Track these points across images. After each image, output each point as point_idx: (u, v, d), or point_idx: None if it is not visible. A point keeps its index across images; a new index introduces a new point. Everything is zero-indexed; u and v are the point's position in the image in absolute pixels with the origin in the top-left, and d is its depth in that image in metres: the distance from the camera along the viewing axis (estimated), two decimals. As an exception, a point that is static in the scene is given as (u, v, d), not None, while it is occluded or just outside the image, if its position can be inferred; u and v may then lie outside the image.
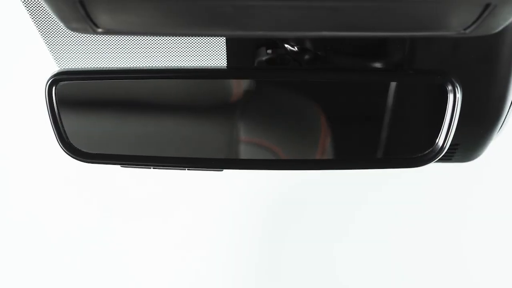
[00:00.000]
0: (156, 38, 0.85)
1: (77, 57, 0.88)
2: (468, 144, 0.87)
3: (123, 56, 0.88)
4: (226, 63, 0.87)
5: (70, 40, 0.85)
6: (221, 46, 0.85)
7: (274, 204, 1.85)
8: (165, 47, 0.86)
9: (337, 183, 1.82)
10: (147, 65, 0.89)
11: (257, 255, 1.87)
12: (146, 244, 1.87)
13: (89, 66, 0.89)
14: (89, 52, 0.87)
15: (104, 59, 0.88)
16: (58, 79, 0.72)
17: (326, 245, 1.86)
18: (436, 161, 0.74)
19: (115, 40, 0.85)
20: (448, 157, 0.89)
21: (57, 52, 0.88)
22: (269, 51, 0.83)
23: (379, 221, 1.84)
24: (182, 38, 0.84)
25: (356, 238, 1.86)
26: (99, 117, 0.77)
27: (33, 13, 0.81)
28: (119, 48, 0.86)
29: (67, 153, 0.74)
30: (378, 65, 0.82)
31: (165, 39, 0.85)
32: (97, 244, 1.85)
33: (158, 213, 1.85)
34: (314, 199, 1.85)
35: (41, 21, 0.82)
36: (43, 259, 1.86)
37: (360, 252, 1.86)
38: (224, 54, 0.86)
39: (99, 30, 0.46)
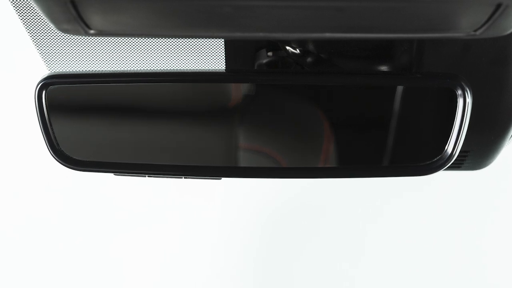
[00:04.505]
0: (151, 40, 0.84)
1: (68, 60, 0.88)
2: (479, 151, 0.86)
3: (116, 59, 0.88)
4: (224, 66, 0.87)
5: (61, 42, 0.85)
6: (220, 48, 0.85)
7: (277, 212, 1.85)
8: (161, 49, 0.86)
9: (344, 188, 1.82)
10: (142, 68, 0.89)
11: (257, 265, 1.87)
12: (142, 254, 1.87)
13: (81, 69, 0.89)
14: (81, 55, 0.87)
15: (96, 62, 0.88)
16: (48, 83, 0.71)
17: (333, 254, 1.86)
18: (445, 169, 0.74)
19: (108, 42, 0.85)
20: (458, 165, 0.89)
21: (47, 55, 0.88)
22: (269, 53, 0.83)
23: (385, 229, 1.84)
24: (178, 40, 0.84)
25: (365, 250, 1.86)
26: (91, 123, 0.77)
27: (22, 13, 0.81)
28: (112, 51, 0.86)
29: (57, 161, 0.74)
30: (384, 68, 0.82)
31: (160, 41, 0.85)
32: (94, 250, 1.86)
33: (155, 220, 1.86)
34: (318, 206, 1.86)
35: (30, 22, 0.82)
36: (34, 265, 1.86)
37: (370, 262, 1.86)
38: (223, 56, 0.86)
39: (91, 31, 0.45)
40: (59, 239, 1.85)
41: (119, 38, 0.84)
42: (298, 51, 0.82)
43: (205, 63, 0.88)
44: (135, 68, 0.89)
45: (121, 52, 0.87)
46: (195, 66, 0.88)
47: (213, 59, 0.87)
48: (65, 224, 1.84)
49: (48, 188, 1.81)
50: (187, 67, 0.89)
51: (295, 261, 1.87)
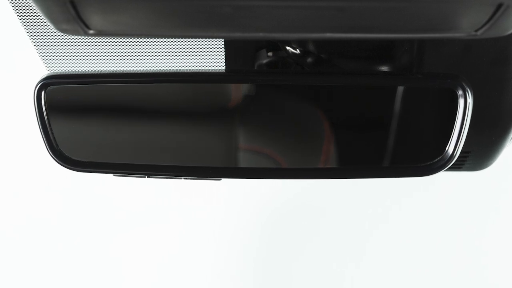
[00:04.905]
0: (151, 40, 0.84)
1: (67, 60, 0.88)
2: (480, 151, 0.86)
3: (116, 59, 0.88)
4: (224, 66, 0.87)
5: (60, 42, 0.85)
6: (219, 48, 0.85)
7: (276, 213, 1.85)
8: (160, 49, 0.86)
9: (344, 188, 1.82)
10: (142, 69, 0.89)
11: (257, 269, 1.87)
12: (141, 255, 1.87)
13: (80, 70, 0.89)
14: (80, 55, 0.87)
15: (95, 62, 0.88)
16: (47, 83, 0.71)
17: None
18: (446, 170, 0.74)
19: (107, 42, 0.85)
20: (459, 166, 0.89)
21: (46, 55, 0.88)
22: (269, 53, 0.83)
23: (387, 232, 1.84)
24: (178, 40, 0.84)
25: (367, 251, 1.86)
26: (91, 124, 0.77)
27: (21, 13, 0.81)
28: (111, 51, 0.86)
29: (57, 161, 0.74)
30: (384, 68, 0.82)
31: (160, 41, 0.85)
32: (93, 251, 1.86)
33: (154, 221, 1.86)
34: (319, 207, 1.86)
35: (29, 22, 0.82)
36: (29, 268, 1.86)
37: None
38: (223, 57, 0.86)
39: (91, 31, 0.45)
40: (58, 239, 1.85)
41: (119, 38, 0.84)
42: (298, 51, 0.82)
43: (205, 63, 0.87)
44: (135, 69, 0.89)
45: (120, 52, 0.87)
46: (195, 66, 0.88)
47: (213, 60, 0.87)
48: (65, 224, 1.84)
49: (47, 188, 1.81)
50: (187, 68, 0.89)
51: (295, 261, 1.87)
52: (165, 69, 0.89)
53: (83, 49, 0.87)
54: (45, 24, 0.82)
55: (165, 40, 0.84)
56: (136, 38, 0.84)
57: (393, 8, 0.43)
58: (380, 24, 0.45)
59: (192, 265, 1.87)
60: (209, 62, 0.87)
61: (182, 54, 0.87)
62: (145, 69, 0.89)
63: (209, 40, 0.83)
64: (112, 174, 0.75)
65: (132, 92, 0.75)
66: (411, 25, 0.46)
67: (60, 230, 1.85)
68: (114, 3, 0.42)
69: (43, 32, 0.84)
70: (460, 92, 0.70)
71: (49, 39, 0.85)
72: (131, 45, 0.86)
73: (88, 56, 0.87)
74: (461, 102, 0.70)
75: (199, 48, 0.86)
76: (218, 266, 1.87)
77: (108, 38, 0.84)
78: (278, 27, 0.46)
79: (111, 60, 0.88)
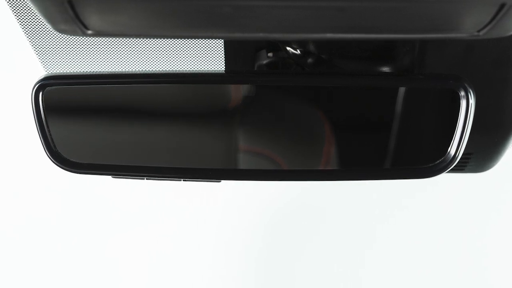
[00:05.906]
0: (150, 40, 0.84)
1: (65, 61, 0.88)
2: (482, 153, 0.86)
3: (114, 60, 0.88)
4: (224, 67, 0.87)
5: (58, 43, 0.85)
6: (219, 49, 0.85)
7: (277, 214, 1.85)
8: (160, 50, 0.86)
9: (345, 189, 1.83)
10: (141, 69, 0.89)
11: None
12: (140, 255, 1.87)
13: (78, 70, 0.89)
14: (78, 55, 0.87)
15: (94, 62, 0.88)
16: (45, 84, 0.71)
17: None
18: (448, 172, 0.74)
19: (106, 43, 0.85)
20: (461, 167, 0.89)
21: (44, 55, 0.88)
22: (269, 54, 0.83)
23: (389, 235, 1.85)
24: (178, 40, 0.84)
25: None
26: (89, 125, 0.77)
27: (19, 13, 0.81)
28: (110, 51, 0.86)
29: (54, 163, 0.74)
30: (386, 69, 0.82)
31: (159, 41, 0.85)
32: (92, 251, 1.86)
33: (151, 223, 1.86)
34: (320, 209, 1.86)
35: (27, 22, 0.82)
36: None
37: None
38: (222, 57, 0.86)
39: (89, 32, 0.45)
40: (57, 239, 1.85)
41: (117, 39, 0.84)
42: (298, 51, 0.82)
43: (204, 64, 0.87)
44: (134, 69, 0.89)
45: (119, 52, 0.87)
46: (194, 67, 0.88)
47: (212, 60, 0.87)
48: (63, 224, 1.85)
49: (46, 189, 1.82)
50: (186, 68, 0.89)
51: (296, 261, 1.87)
52: (164, 69, 0.89)
53: (81, 50, 0.87)
54: (43, 24, 0.82)
55: (164, 40, 0.84)
56: (135, 39, 0.84)
57: (394, 8, 0.43)
58: (381, 25, 0.45)
59: (192, 265, 1.87)
60: (209, 63, 0.87)
61: (182, 54, 0.87)
62: (144, 69, 0.89)
63: (209, 40, 0.83)
64: (110, 176, 0.75)
65: (131, 93, 0.75)
66: (412, 26, 0.46)
67: (59, 230, 1.85)
68: (113, 3, 0.42)
69: (40, 33, 0.84)
70: (462, 93, 0.69)
71: (47, 40, 0.85)
72: (130, 46, 0.86)
73: (87, 57, 0.87)
74: (463, 103, 0.70)
75: (198, 49, 0.86)
76: (218, 267, 1.87)
77: (107, 39, 0.84)
78: (278, 27, 0.46)
79: (109, 61, 0.88)
